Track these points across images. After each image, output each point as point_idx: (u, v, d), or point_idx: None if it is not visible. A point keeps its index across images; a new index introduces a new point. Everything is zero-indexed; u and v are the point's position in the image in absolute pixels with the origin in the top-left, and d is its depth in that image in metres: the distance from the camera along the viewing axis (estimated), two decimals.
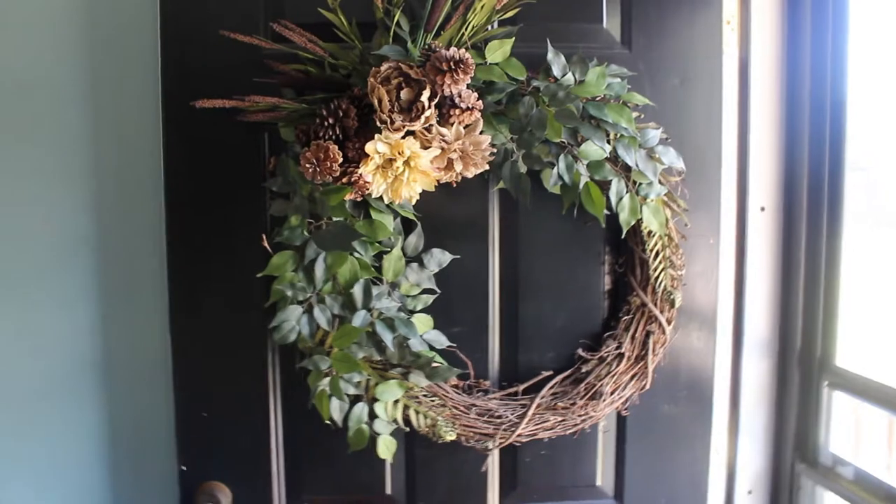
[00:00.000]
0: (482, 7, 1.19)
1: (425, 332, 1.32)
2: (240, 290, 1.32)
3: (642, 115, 1.30)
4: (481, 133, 1.18)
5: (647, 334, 1.36)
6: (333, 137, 1.15)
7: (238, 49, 1.20)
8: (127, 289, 1.46)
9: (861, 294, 1.46)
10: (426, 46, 1.17)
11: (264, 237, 1.28)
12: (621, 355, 1.36)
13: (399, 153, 1.13)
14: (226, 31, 1.20)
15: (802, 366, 1.50)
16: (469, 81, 1.13)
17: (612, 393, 1.35)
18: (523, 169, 1.25)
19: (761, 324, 1.53)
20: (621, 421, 1.42)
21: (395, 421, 1.32)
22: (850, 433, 1.51)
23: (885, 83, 1.42)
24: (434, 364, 1.30)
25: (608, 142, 1.25)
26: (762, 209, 1.50)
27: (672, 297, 1.33)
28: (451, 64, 1.10)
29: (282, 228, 1.26)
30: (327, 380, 1.28)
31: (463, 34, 1.20)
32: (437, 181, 1.19)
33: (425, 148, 1.15)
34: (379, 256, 1.29)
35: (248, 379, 1.36)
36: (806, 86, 1.46)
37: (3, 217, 1.43)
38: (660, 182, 1.28)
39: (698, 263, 1.39)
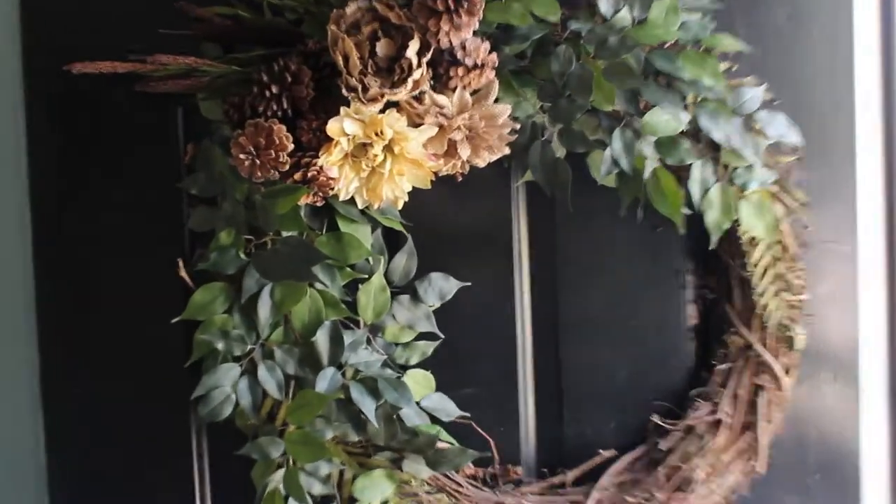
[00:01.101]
0: None
1: (425, 398, 1.35)
2: (146, 343, 1.36)
3: (735, 68, 1.32)
4: (497, 101, 1.21)
5: (756, 391, 1.37)
6: (279, 114, 1.17)
7: None
8: None
9: None
10: None
11: (181, 263, 1.31)
12: (718, 423, 1.38)
13: (377, 134, 1.15)
14: None
15: None
16: (477, 26, 1.15)
17: (707, 479, 1.37)
18: (560, 152, 1.28)
19: None
20: None
21: None
22: None
23: None
24: (439, 445, 1.33)
25: (685, 108, 1.26)
26: None
27: (790, 334, 1.35)
28: (450, 1, 1.11)
29: (207, 250, 1.29)
30: (281, 473, 1.30)
31: None
32: (435, 174, 1.22)
33: (415, 125, 1.18)
34: (353, 288, 1.32)
35: (162, 474, 1.39)
36: None
37: None
38: (765, 165, 1.30)
39: (828, 282, 1.41)
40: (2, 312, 1.48)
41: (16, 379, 1.48)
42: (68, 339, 1.37)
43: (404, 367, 1.36)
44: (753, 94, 1.29)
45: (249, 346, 1.31)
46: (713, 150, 1.30)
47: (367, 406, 1.29)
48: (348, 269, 1.31)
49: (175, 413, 1.37)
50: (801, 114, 1.33)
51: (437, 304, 1.36)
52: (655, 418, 1.41)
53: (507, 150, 1.22)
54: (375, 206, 1.24)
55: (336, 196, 1.22)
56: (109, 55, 1.22)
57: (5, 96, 1.41)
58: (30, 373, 1.40)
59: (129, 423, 1.38)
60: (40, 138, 1.35)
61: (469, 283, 1.37)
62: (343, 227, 1.30)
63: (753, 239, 1.33)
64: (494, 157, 1.22)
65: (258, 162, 1.16)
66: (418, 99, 1.18)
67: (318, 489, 1.32)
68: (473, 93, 1.20)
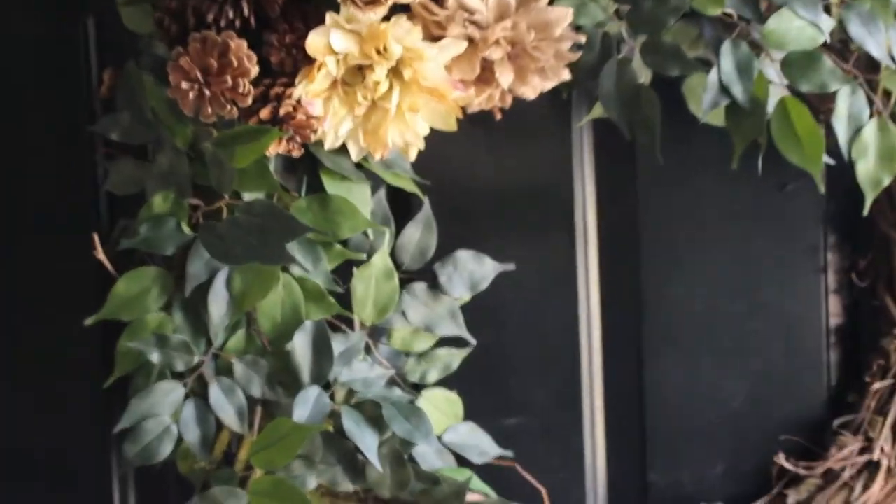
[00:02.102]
0: None
1: (449, 430, 1.35)
2: (48, 355, 1.36)
3: None
4: (553, 2, 1.20)
5: None
6: (237, 23, 1.17)
7: None
8: None
9: None
10: None
11: (96, 240, 1.30)
12: (873, 465, 1.38)
13: (379, 52, 1.15)
14: None
15: None
16: None
17: None
18: (644, 76, 1.28)
19: None
20: None
21: None
22: None
23: None
24: (470, 497, 1.32)
25: (827, 10, 1.25)
26: None
27: None
28: None
29: (135, 222, 1.29)
30: None
31: None
32: (463, 110, 1.22)
33: (434, 39, 1.18)
34: (345, 272, 1.32)
35: None
36: None
37: None
38: None
39: None
40: None
41: None
42: None
43: (419, 387, 1.36)
44: None
45: (198, 359, 1.30)
46: (869, 70, 1.29)
47: (367, 442, 1.28)
48: (338, 246, 1.30)
49: (91, 454, 1.38)
50: None
51: (467, 297, 1.35)
52: (782, 459, 1.41)
53: (567, 76, 1.21)
54: (377, 158, 1.24)
55: (321, 143, 1.22)
56: None
57: None
58: None
59: (23, 467, 1.39)
60: None
61: (513, 267, 1.36)
62: (330, 187, 1.28)
63: None
64: (549, 85, 1.22)
65: (208, 93, 1.14)
66: (439, 0, 1.17)
67: None
68: None
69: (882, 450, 1.37)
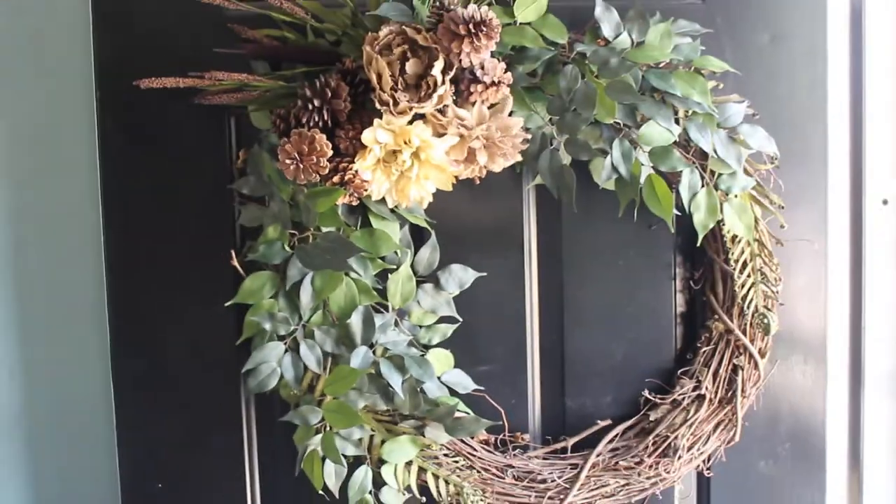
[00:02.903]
0: None
1: (445, 373, 1.35)
2: (203, 324, 1.36)
3: (721, 86, 1.32)
4: (511, 115, 1.21)
5: (735, 370, 1.38)
6: (320, 124, 1.17)
7: (194, 11, 1.24)
8: (55, 324, 1.50)
9: None
10: (437, 3, 1.18)
11: (233, 254, 1.31)
12: (701, 398, 1.38)
13: (405, 143, 1.16)
14: None
15: None
16: (494, 48, 1.15)
17: (689, 447, 1.37)
18: (566, 159, 1.27)
19: (888, 353, 1.55)
20: (704, 483, 1.45)
21: (407, 489, 1.35)
22: None
23: None
24: (457, 414, 1.32)
25: (677, 121, 1.26)
26: (885, 202, 1.51)
27: (766, 320, 1.34)
28: (471, 26, 1.11)
29: (256, 243, 1.30)
30: (319, 438, 1.31)
31: None
32: (456, 178, 1.22)
33: (439, 135, 1.18)
34: (383, 276, 1.32)
35: (217, 439, 1.39)
36: None
37: None
38: (745, 172, 1.30)
39: (800, 276, 1.41)
40: (77, 298, 1.49)
41: (87, 356, 1.49)
42: (135, 320, 1.37)
43: (427, 347, 1.35)
44: (737, 109, 1.29)
45: (293, 327, 1.31)
46: (701, 158, 1.29)
47: (395, 380, 1.29)
48: (379, 260, 1.31)
49: (228, 385, 1.38)
50: (778, 126, 1.34)
51: (457, 292, 1.36)
52: (646, 393, 1.42)
53: (519, 157, 1.22)
54: (403, 206, 1.25)
55: (369, 196, 1.23)
56: (175, 71, 1.22)
57: (81, 107, 1.42)
58: (101, 351, 1.41)
59: (188, 393, 1.38)
60: (111, 144, 1.34)
61: (485, 274, 1.36)
62: (375, 223, 1.30)
63: (735, 237, 1.33)
64: (508, 164, 1.22)
65: (301, 166, 1.16)
66: (442, 112, 1.18)
67: (350, 451, 1.32)
68: (490, 107, 1.20)
69: (706, 388, 1.37)
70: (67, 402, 1.52)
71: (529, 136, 1.25)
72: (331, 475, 1.32)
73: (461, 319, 1.36)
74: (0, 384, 1.51)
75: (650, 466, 1.37)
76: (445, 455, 1.36)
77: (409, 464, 1.35)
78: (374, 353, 1.31)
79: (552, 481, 1.36)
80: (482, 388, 1.38)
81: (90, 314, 1.47)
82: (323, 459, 1.31)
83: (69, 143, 1.46)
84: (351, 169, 1.19)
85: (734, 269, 1.35)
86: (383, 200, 1.24)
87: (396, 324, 1.33)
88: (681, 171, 1.28)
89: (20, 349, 1.51)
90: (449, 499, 1.35)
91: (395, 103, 1.15)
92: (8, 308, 1.50)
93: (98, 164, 1.35)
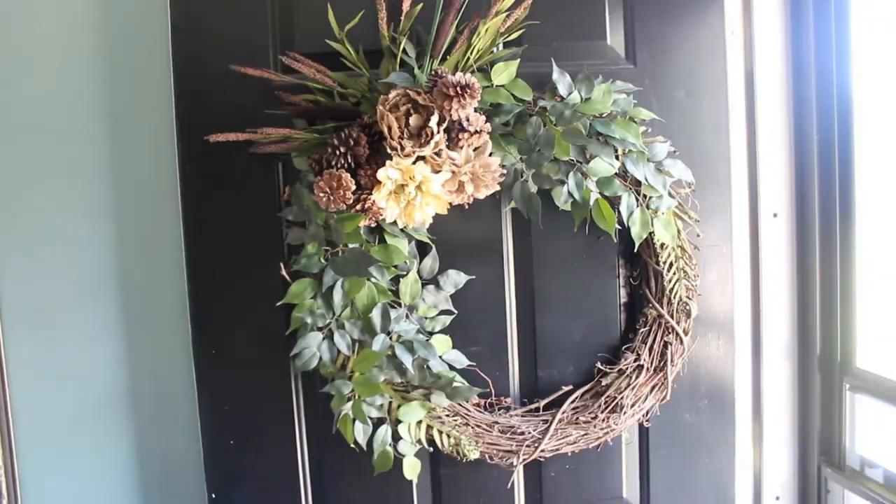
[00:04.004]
0: (486, 31, 1.19)
1: (445, 353, 1.30)
2: (260, 319, 1.31)
3: (649, 130, 1.29)
4: (490, 155, 1.18)
5: (665, 345, 1.34)
6: (345, 166, 1.15)
7: (249, 82, 1.22)
8: (150, 322, 1.47)
9: (883, 293, 1.43)
10: (433, 72, 1.16)
11: (282, 266, 1.28)
12: (640, 367, 1.34)
13: (410, 178, 1.13)
14: (236, 66, 1.21)
15: (823, 370, 1.48)
16: (476, 105, 1.13)
17: (632, 405, 1.34)
18: (534, 188, 1.25)
19: (780, 329, 1.51)
20: (644, 432, 1.40)
21: (418, 441, 1.31)
22: (878, 434, 1.47)
23: (890, 82, 1.39)
24: (455, 384, 1.29)
25: (617, 157, 1.24)
26: (774, 215, 1.48)
27: (688, 307, 1.31)
28: (458, 89, 1.10)
29: (299, 257, 1.26)
30: (350, 404, 1.27)
31: (468, 58, 1.20)
32: (450, 204, 1.19)
33: (436, 172, 1.15)
34: (396, 280, 1.28)
35: (273, 406, 1.35)
36: (812, 90, 1.45)
37: (28, 255, 1.44)
38: (669, 195, 1.27)
39: (713, 273, 1.37)
40: (166, 303, 1.46)
41: (175, 347, 1.46)
42: (210, 318, 1.32)
43: (431, 333, 1.31)
44: (662, 147, 1.28)
45: (328, 321, 1.27)
46: (636, 185, 1.27)
47: (407, 359, 1.26)
48: (393, 268, 1.27)
49: (280, 365, 1.33)
50: (693, 160, 1.32)
51: (453, 291, 1.31)
52: (599, 364, 1.37)
53: (498, 188, 1.19)
54: (410, 226, 1.22)
55: (384, 219, 1.20)
56: (235, 128, 1.20)
57: (167, 155, 1.37)
58: (185, 342, 1.38)
59: (250, 372, 1.34)
60: (190, 183, 1.30)
61: (474, 276, 1.32)
62: (389, 240, 1.26)
63: (663, 244, 1.31)
64: (489, 192, 1.19)
65: (332, 198, 1.14)
66: (438, 154, 1.15)
67: (374, 413, 1.29)
68: (475, 149, 1.17)
69: (644, 360, 1.34)
70: (161, 383, 1.49)
71: (505, 171, 1.22)
72: (360, 432, 1.29)
73: (456, 312, 1.32)
74: (109, 370, 1.48)
75: (603, 420, 1.33)
76: (447, 415, 1.32)
77: (419, 422, 1.31)
78: (390, 338, 1.27)
79: (529, 433, 1.32)
80: (474, 363, 1.33)
81: (176, 315, 1.43)
82: (353, 420, 1.28)
83: (158, 186, 1.43)
84: (370, 199, 1.16)
85: (663, 268, 1.31)
86: (395, 222, 1.20)
87: (407, 316, 1.29)
88: (620, 195, 1.25)
89: (124, 344, 1.48)
90: (450, 448, 1.32)
91: (402, 148, 1.13)
92: (115, 314, 1.47)
93: (179, 199, 1.31)
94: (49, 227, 1.43)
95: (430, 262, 1.29)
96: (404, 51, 1.18)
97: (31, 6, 1.40)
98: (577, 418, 1.33)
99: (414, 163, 1.13)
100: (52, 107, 1.41)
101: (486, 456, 1.32)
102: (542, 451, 1.31)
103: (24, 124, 1.41)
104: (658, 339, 1.34)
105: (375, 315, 1.25)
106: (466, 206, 1.23)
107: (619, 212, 1.25)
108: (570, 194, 1.23)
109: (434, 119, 1.12)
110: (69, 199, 1.43)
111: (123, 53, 1.42)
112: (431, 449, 1.32)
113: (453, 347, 1.32)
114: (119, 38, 1.41)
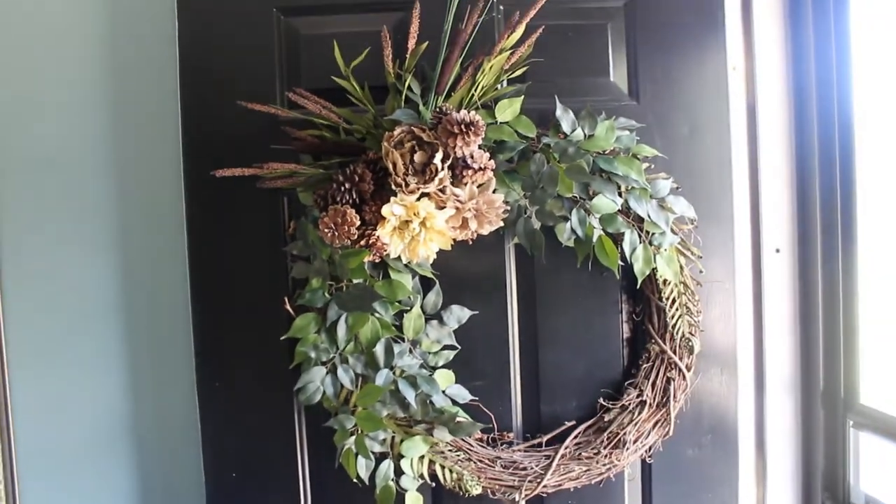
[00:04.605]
0: (491, 68, 1.20)
1: (447, 388, 1.30)
2: (264, 352, 1.31)
3: (652, 166, 1.29)
4: (494, 191, 1.19)
5: (668, 381, 1.33)
6: (350, 201, 1.15)
7: (256, 118, 1.22)
8: (154, 352, 1.47)
9: (887, 329, 1.42)
10: (437, 109, 1.17)
11: (286, 300, 1.28)
12: (643, 403, 1.33)
13: (415, 214, 1.13)
14: (243, 102, 1.21)
15: (827, 406, 1.46)
16: (480, 142, 1.13)
17: (635, 441, 1.32)
18: (537, 225, 1.25)
19: (783, 365, 1.50)
20: (646, 468, 1.39)
21: (421, 476, 1.30)
22: (882, 472, 1.46)
23: (892, 117, 1.40)
24: (458, 419, 1.28)
25: (619, 194, 1.24)
26: (777, 251, 1.47)
27: (690, 343, 1.31)
28: (462, 126, 1.11)
29: (303, 291, 1.26)
30: (353, 438, 1.27)
31: (473, 94, 1.21)
32: (454, 240, 1.19)
33: (440, 208, 1.16)
34: (399, 315, 1.28)
35: (276, 439, 1.34)
36: (814, 125, 1.45)
37: (34, 286, 1.44)
38: (672, 231, 1.27)
39: (715, 308, 1.36)
40: (171, 334, 1.46)
41: (179, 377, 1.46)
42: (214, 350, 1.33)
43: (434, 368, 1.30)
44: (664, 184, 1.28)
45: (332, 355, 1.27)
46: (638, 221, 1.27)
47: (410, 394, 1.25)
48: (397, 303, 1.27)
49: (284, 398, 1.32)
50: (696, 196, 1.31)
51: (456, 326, 1.31)
52: (602, 400, 1.36)
53: (501, 224, 1.20)
54: (414, 261, 1.21)
55: (388, 255, 1.19)
56: (241, 163, 1.20)
57: (173, 188, 1.39)
58: (188, 372, 1.37)
59: (254, 405, 1.33)
60: (196, 217, 1.31)
61: (477, 312, 1.32)
62: (393, 275, 1.26)
63: (666, 280, 1.30)
64: (493, 228, 1.19)
65: (336, 234, 1.14)
66: (442, 191, 1.16)
67: (377, 448, 1.28)
68: (479, 186, 1.17)
69: (647, 395, 1.33)
70: (164, 414, 1.49)
71: (509, 208, 1.22)
72: (362, 467, 1.28)
73: (459, 347, 1.31)
74: (113, 402, 1.48)
75: (605, 456, 1.32)
76: (450, 450, 1.31)
77: (422, 457, 1.30)
78: (393, 373, 1.27)
79: (531, 468, 1.31)
80: (476, 398, 1.33)
81: (180, 347, 1.43)
82: (356, 455, 1.27)
83: (164, 219, 1.44)
84: (374, 235, 1.16)
85: (666, 304, 1.31)
86: (399, 258, 1.20)
87: (410, 351, 1.29)
88: (623, 232, 1.25)
89: (128, 375, 1.48)
90: (453, 483, 1.31)
91: (407, 185, 1.14)
92: (120, 345, 1.47)
93: (185, 233, 1.32)
94: (55, 258, 1.44)
95: (434, 297, 1.29)
96: (409, 87, 1.19)
97: (43, 46, 1.42)
98: (580, 454, 1.32)
99: (418, 199, 1.14)
100: (59, 145, 1.43)
101: (489, 491, 1.31)
102: (545, 486, 1.30)
103: (33, 159, 1.43)
104: (661, 374, 1.33)
105: (379, 350, 1.25)
106: (470, 242, 1.23)
107: (622, 248, 1.25)
108: (574, 231, 1.23)
109: (438, 156, 1.12)
110: (76, 231, 1.44)
111: (132, 90, 1.43)
112: (434, 484, 1.31)
113: (456, 382, 1.31)
114: (128, 75, 1.43)
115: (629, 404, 1.33)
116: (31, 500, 1.46)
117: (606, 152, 1.24)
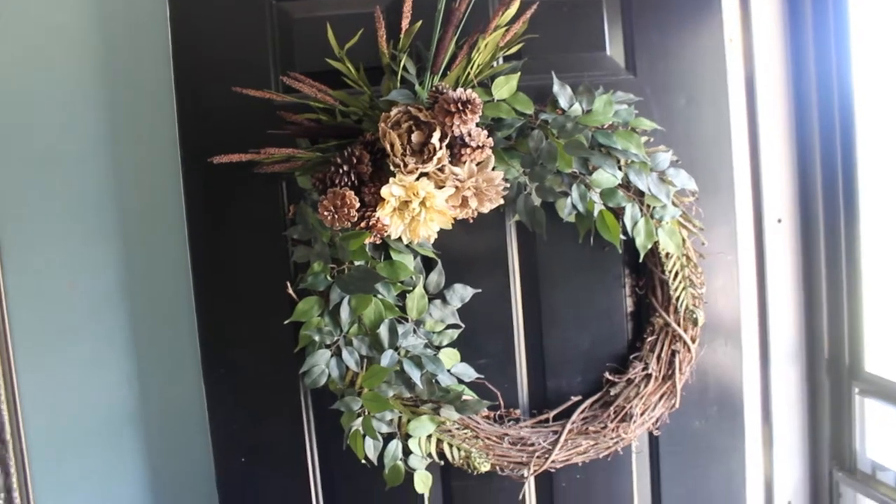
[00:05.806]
0: (486, 45, 1.18)
1: (453, 367, 1.30)
2: (269, 337, 1.31)
3: (651, 139, 1.28)
4: (493, 169, 1.17)
5: (673, 353, 1.32)
6: (349, 184, 1.14)
7: (251, 103, 1.21)
8: (159, 342, 1.47)
9: (890, 295, 1.41)
10: (433, 88, 1.16)
11: (289, 284, 1.27)
12: (649, 376, 1.32)
13: (414, 195, 1.12)
14: (238, 87, 1.20)
15: (832, 374, 1.46)
16: (478, 120, 1.12)
17: (642, 414, 1.32)
18: (537, 201, 1.24)
19: (787, 334, 1.49)
20: (653, 441, 1.39)
21: (429, 455, 1.30)
22: (889, 438, 1.45)
23: (890, 84, 1.38)
24: (464, 397, 1.28)
25: (619, 168, 1.22)
26: (779, 221, 1.46)
27: (694, 315, 1.30)
28: (459, 105, 1.09)
29: (305, 275, 1.25)
30: (360, 420, 1.26)
31: (469, 73, 1.19)
32: (454, 219, 1.18)
33: (439, 188, 1.14)
34: (402, 296, 1.27)
35: (284, 423, 1.34)
36: (813, 95, 1.43)
37: (36, 280, 1.44)
38: (673, 204, 1.26)
39: (718, 280, 1.35)
40: (175, 323, 1.46)
41: (185, 366, 1.46)
42: (218, 337, 1.32)
43: (439, 348, 1.30)
44: (664, 157, 1.26)
45: (336, 338, 1.26)
46: (639, 195, 1.26)
47: (415, 374, 1.25)
48: (399, 284, 1.26)
49: (289, 382, 1.32)
50: (696, 168, 1.30)
51: (459, 305, 1.30)
52: (607, 374, 1.35)
53: (501, 201, 1.18)
54: (415, 242, 1.21)
55: (389, 236, 1.18)
56: (239, 149, 1.19)
57: (171, 177, 1.38)
58: (194, 362, 1.36)
59: (259, 390, 1.33)
60: (195, 205, 1.31)
61: (480, 290, 1.31)
62: (394, 256, 1.25)
63: (668, 253, 1.29)
64: (493, 206, 1.18)
65: (336, 216, 1.13)
66: (441, 170, 1.14)
67: (384, 429, 1.28)
68: (477, 164, 1.16)
69: (653, 368, 1.32)
70: (171, 402, 1.49)
71: (508, 185, 1.21)
72: (370, 448, 1.28)
73: (463, 325, 1.31)
74: (120, 391, 1.48)
75: (612, 430, 1.32)
76: (457, 429, 1.31)
77: (429, 436, 1.30)
78: (398, 354, 1.26)
79: (539, 444, 1.31)
80: (482, 376, 1.32)
81: (185, 335, 1.44)
82: (364, 436, 1.27)
83: (163, 208, 1.43)
84: (374, 216, 1.15)
85: (669, 277, 1.30)
86: (400, 238, 1.19)
87: (414, 331, 1.28)
88: (624, 206, 1.24)
89: (134, 365, 1.48)
90: (461, 461, 1.31)
91: (405, 165, 1.12)
92: (124, 335, 1.47)
93: (185, 223, 1.31)
94: (58, 251, 1.44)
95: (436, 276, 1.28)
96: (404, 68, 1.18)
97: (38, 37, 1.41)
98: (587, 428, 1.32)
99: (417, 179, 1.13)
100: (57, 138, 1.42)
101: (497, 468, 1.31)
102: (553, 461, 1.30)
103: (32, 151, 1.42)
104: (665, 347, 1.32)
105: (383, 331, 1.24)
106: (471, 221, 1.22)
107: (623, 222, 1.24)
108: (574, 206, 1.22)
109: (436, 135, 1.11)
110: (77, 222, 1.43)
111: (126, 78, 1.42)
112: (442, 462, 1.31)
113: (461, 361, 1.31)
114: (122, 63, 1.42)
115: (635, 378, 1.33)
116: (43, 489, 1.47)
117: (605, 127, 1.23)
